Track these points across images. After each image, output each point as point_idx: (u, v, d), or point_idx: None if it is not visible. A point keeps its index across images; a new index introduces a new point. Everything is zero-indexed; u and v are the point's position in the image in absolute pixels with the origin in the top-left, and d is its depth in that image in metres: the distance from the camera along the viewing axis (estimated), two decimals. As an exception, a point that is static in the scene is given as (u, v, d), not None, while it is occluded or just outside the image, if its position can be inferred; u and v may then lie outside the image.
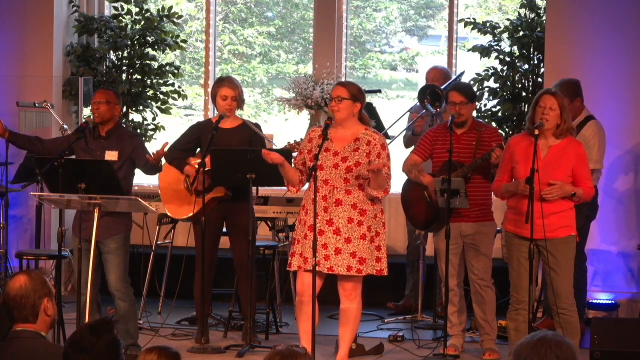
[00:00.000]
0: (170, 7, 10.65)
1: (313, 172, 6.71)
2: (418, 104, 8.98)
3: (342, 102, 6.97)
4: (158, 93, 10.63)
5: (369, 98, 9.85)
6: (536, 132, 6.77)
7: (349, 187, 6.90)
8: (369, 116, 7.30)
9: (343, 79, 10.36)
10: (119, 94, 7.91)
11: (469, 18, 9.92)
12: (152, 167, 7.49)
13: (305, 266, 6.87)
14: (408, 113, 9.36)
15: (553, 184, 6.80)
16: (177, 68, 10.72)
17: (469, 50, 10.06)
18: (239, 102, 8.03)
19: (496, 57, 9.78)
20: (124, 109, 10.38)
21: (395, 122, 9.23)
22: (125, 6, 10.60)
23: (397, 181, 8.50)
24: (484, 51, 9.78)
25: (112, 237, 7.39)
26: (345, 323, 7.05)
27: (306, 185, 7.11)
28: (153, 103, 10.61)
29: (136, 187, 9.90)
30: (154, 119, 10.60)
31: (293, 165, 7.11)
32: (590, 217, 8.30)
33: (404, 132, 9.16)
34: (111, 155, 7.42)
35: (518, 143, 7.01)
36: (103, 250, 7.41)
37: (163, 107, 10.64)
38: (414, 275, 9.12)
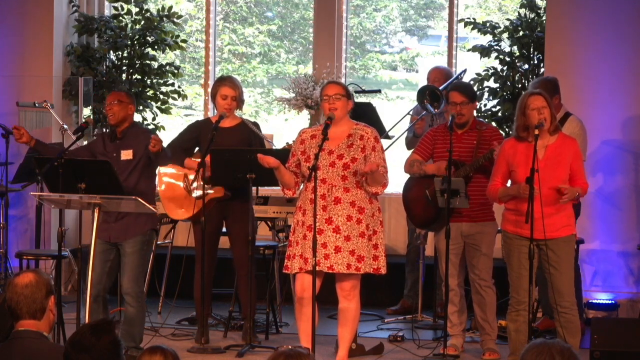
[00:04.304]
0: (170, 7, 10.66)
1: (313, 172, 6.70)
2: (418, 105, 8.98)
3: (340, 100, 6.96)
4: (158, 93, 10.64)
5: (369, 98, 9.88)
6: (536, 132, 6.78)
7: (347, 184, 6.89)
8: (370, 116, 7.29)
9: (343, 80, 10.37)
10: (131, 93, 7.89)
11: (469, 18, 9.92)
12: (157, 156, 7.41)
13: (306, 267, 6.86)
14: (409, 115, 9.36)
15: (563, 188, 6.79)
16: (177, 68, 10.72)
17: (469, 50, 10.07)
18: (239, 102, 8.03)
19: (496, 57, 9.79)
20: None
21: (396, 124, 9.23)
22: (125, 6, 10.60)
23: (398, 181, 8.51)
24: (484, 51, 9.78)
25: (128, 239, 7.36)
26: (344, 323, 7.04)
27: (301, 186, 7.09)
28: (153, 103, 10.62)
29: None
30: (154, 119, 10.61)
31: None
32: (575, 215, 8.30)
33: (406, 134, 9.16)
34: (126, 155, 7.40)
35: (513, 147, 7.00)
36: (121, 252, 7.40)
37: (163, 107, 10.65)
38: (413, 275, 9.12)
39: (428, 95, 8.71)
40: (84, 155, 7.43)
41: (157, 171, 7.79)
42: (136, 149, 7.41)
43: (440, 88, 8.80)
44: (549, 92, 7.79)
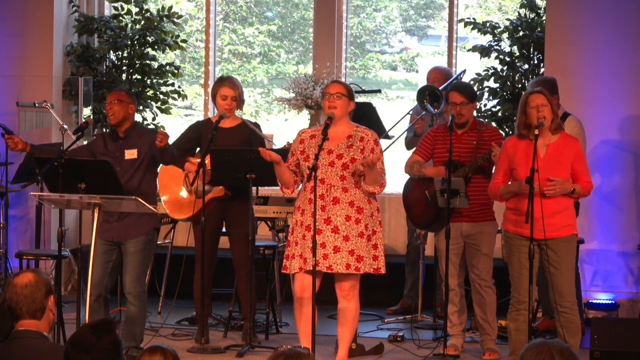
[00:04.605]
0: (170, 7, 10.66)
1: (313, 172, 6.70)
2: (418, 105, 8.98)
3: (340, 99, 6.96)
4: (158, 93, 10.64)
5: (369, 98, 9.88)
6: (536, 132, 6.78)
7: (345, 184, 6.89)
8: (370, 116, 7.28)
9: (343, 79, 10.36)
10: (131, 92, 7.89)
11: (469, 18, 9.92)
12: (163, 151, 7.37)
13: (305, 267, 6.85)
14: (409, 114, 9.36)
15: (553, 180, 6.81)
16: (177, 68, 10.72)
17: (469, 50, 10.07)
18: (239, 102, 8.03)
19: (496, 57, 9.79)
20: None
21: (396, 123, 9.22)
22: (125, 6, 10.61)
23: (398, 181, 8.51)
24: (484, 51, 9.78)
25: (131, 239, 7.37)
26: (343, 323, 7.04)
27: (300, 186, 7.10)
28: (153, 103, 10.62)
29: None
30: (154, 119, 10.61)
31: None
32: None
33: (405, 134, 9.16)
34: (130, 154, 7.40)
35: (515, 145, 7.01)
36: (123, 251, 7.40)
37: (163, 107, 10.65)
38: (413, 275, 9.12)
39: (428, 95, 8.71)
40: (84, 155, 7.42)
41: (157, 171, 7.81)
42: (140, 149, 7.41)
43: (440, 88, 8.80)
44: (547, 91, 7.78)
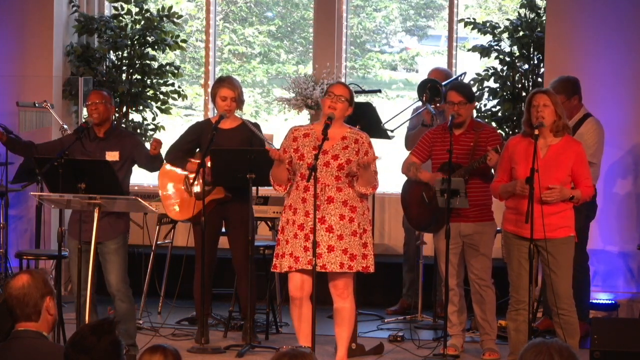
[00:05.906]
0: (170, 7, 10.66)
1: (314, 172, 6.70)
2: (420, 104, 8.97)
3: (342, 103, 6.97)
4: (158, 93, 10.64)
5: (369, 98, 9.88)
6: (536, 132, 6.78)
7: (340, 184, 6.90)
8: (370, 116, 7.28)
9: (343, 79, 10.36)
10: (111, 93, 7.91)
11: (469, 18, 9.92)
12: (154, 159, 7.45)
13: (296, 266, 6.86)
14: (409, 111, 9.35)
15: (552, 188, 6.80)
16: (177, 68, 10.72)
17: (469, 50, 10.07)
18: (239, 103, 8.03)
19: (496, 57, 9.79)
20: (124, 109, 10.40)
21: (392, 118, 9.21)
22: (125, 6, 10.60)
23: (398, 182, 8.51)
24: (484, 51, 9.78)
25: (112, 238, 7.38)
26: (340, 323, 7.04)
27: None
28: (153, 103, 10.62)
29: (136, 187, 9.93)
30: (154, 119, 10.61)
31: None
32: (589, 216, 8.30)
33: (406, 133, 9.15)
34: (112, 156, 7.41)
35: (517, 144, 7.03)
36: (103, 251, 7.40)
37: (163, 107, 10.64)
38: (410, 274, 9.12)
39: (428, 89, 8.70)
40: (55, 151, 7.37)
41: (159, 171, 7.84)
42: (122, 151, 7.43)
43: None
44: (566, 91, 7.78)
